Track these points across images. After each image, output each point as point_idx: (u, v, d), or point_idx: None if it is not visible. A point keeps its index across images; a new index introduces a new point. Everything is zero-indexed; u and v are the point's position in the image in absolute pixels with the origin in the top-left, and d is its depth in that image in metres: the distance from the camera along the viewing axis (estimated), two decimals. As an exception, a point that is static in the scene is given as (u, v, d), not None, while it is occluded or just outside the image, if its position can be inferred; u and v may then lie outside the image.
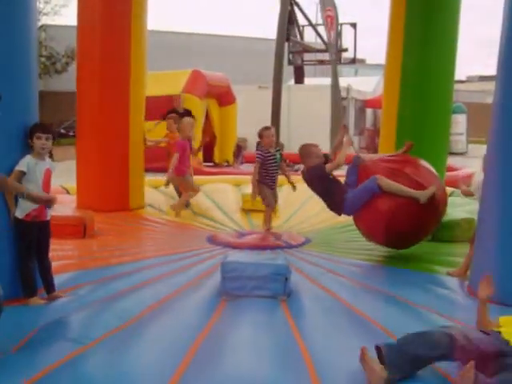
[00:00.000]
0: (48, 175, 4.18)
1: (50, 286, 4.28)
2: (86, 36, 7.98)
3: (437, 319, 3.81)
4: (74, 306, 4.03)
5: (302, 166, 18.78)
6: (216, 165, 16.69)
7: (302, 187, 9.99)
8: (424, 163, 5.71)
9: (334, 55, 15.40)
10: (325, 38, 18.35)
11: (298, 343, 3.35)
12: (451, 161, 16.87)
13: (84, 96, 8.07)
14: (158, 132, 10.37)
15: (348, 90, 23.42)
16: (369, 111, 26.02)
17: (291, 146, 21.12)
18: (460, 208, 7.62)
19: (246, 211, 8.14)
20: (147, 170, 8.81)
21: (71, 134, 22.64)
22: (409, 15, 7.75)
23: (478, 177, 4.92)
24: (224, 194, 8.99)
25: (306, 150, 5.65)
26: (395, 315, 3.90)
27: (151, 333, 3.50)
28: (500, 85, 4.41)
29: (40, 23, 27.75)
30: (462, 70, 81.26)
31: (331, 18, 15.51)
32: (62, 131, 23.17)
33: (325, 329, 3.62)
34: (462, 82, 40.97)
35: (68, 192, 9.04)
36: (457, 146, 24.79)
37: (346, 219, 7.69)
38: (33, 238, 4.10)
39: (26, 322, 3.63)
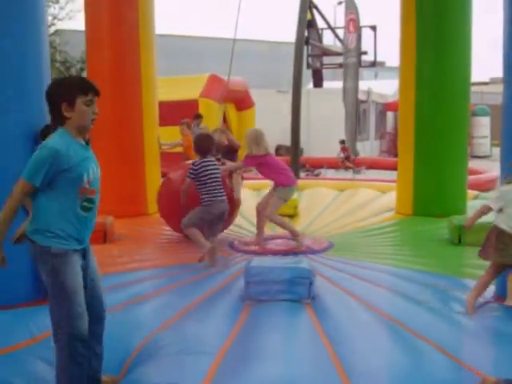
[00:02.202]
0: None
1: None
2: (95, 43, 8.03)
3: (464, 322, 3.77)
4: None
5: (322, 170, 18.66)
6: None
7: (324, 192, 9.99)
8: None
9: (355, 58, 15.27)
10: (344, 41, 18.25)
11: (325, 345, 3.32)
12: (475, 164, 16.71)
13: (96, 102, 8.07)
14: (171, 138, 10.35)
15: (368, 93, 23.27)
16: (390, 114, 25.82)
17: (310, 150, 21.07)
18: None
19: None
20: (164, 176, 8.79)
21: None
22: (420, 17, 7.70)
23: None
24: (243, 199, 8.93)
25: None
26: (422, 317, 3.84)
27: (177, 339, 3.46)
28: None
29: (55, 28, 27.93)
30: (485, 72, 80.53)
31: (353, 22, 15.41)
32: None
33: (351, 331, 3.58)
34: (485, 83, 40.38)
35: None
36: (480, 150, 24.48)
37: (368, 223, 7.64)
38: None
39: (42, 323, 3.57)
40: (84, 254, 3.00)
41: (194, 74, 18.51)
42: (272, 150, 7.72)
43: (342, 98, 15.41)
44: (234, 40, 6.48)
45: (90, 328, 2.96)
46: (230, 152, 7.92)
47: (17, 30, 4.06)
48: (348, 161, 19.37)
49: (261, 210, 6.39)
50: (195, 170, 5.38)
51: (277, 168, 6.26)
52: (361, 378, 2.94)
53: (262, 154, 6.20)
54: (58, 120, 2.87)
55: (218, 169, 5.52)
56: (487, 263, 4.16)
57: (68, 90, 2.85)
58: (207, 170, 5.38)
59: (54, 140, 2.83)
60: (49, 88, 2.89)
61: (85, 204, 2.90)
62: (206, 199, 5.38)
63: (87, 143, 3.00)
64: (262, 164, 6.27)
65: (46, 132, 4.08)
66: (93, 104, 2.95)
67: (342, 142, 19.79)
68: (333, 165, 19.28)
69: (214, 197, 5.38)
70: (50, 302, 2.87)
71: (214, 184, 5.39)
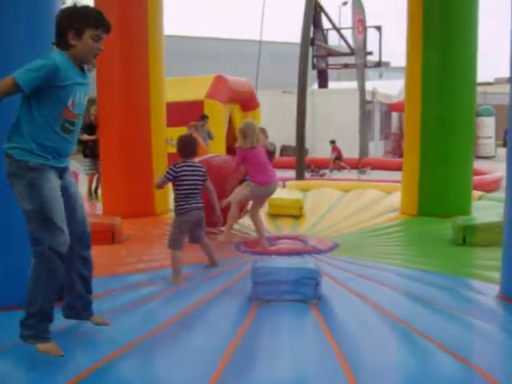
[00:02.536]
0: (74, 178, 4.20)
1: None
2: (104, 43, 8.04)
3: (469, 321, 3.79)
4: (104, 308, 4.05)
5: (326, 171, 18.73)
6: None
7: (329, 193, 10.02)
8: None
9: (362, 59, 15.34)
10: (351, 41, 18.29)
11: (331, 345, 3.34)
12: (479, 165, 16.69)
13: (105, 103, 8.16)
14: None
15: (373, 93, 23.29)
16: (394, 115, 25.84)
17: (316, 151, 21.11)
18: (489, 211, 7.53)
19: (273, 216, 8.12)
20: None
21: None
22: (426, 18, 7.74)
23: None
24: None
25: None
26: (427, 317, 3.87)
27: (184, 338, 3.50)
28: None
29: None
30: (490, 72, 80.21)
31: (361, 22, 15.48)
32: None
33: (357, 331, 3.60)
34: (490, 84, 40.33)
35: (93, 199, 9.14)
36: (485, 150, 24.47)
37: (374, 223, 7.68)
38: None
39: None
40: (61, 174, 3.00)
41: (195, 74, 18.56)
42: (276, 151, 7.70)
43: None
44: (260, 42, 6.59)
45: (75, 250, 3.00)
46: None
47: (28, 18, 4.07)
48: (340, 160, 19.41)
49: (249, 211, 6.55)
50: (175, 171, 5.02)
51: (259, 166, 6.22)
52: (367, 378, 2.96)
53: (248, 147, 6.16)
54: (62, 45, 2.89)
55: (199, 174, 5.10)
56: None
57: (79, 20, 2.87)
58: (187, 175, 5.03)
59: (57, 56, 2.86)
60: (62, 11, 2.91)
61: (66, 125, 2.92)
62: (181, 205, 5.02)
63: (83, 71, 3.01)
64: (246, 159, 6.23)
65: None
66: (100, 40, 2.98)
67: (332, 142, 19.86)
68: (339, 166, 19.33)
69: (190, 204, 5.01)
70: (28, 218, 2.86)
71: (190, 190, 5.03)
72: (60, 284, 2.98)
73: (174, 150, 8.87)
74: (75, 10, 2.89)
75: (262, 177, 6.21)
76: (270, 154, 7.43)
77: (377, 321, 3.79)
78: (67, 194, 3.02)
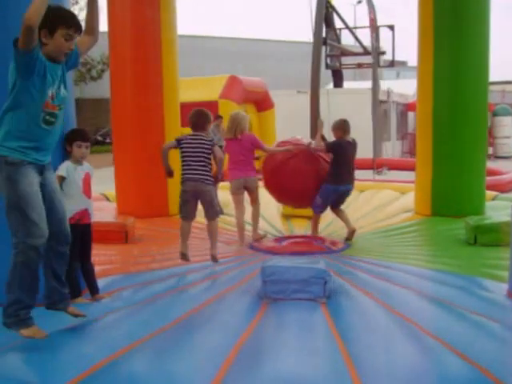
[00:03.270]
0: (88, 179, 4.26)
1: (93, 288, 4.37)
2: (118, 44, 8.15)
3: (480, 321, 3.79)
4: (117, 305, 4.12)
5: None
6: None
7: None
8: None
9: (375, 58, 15.24)
10: (369, 40, 18.16)
11: (339, 345, 3.35)
12: (497, 165, 16.53)
13: (118, 103, 8.22)
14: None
15: (389, 93, 23.15)
16: (411, 114, 25.65)
17: (331, 150, 21.02)
18: (501, 211, 7.49)
19: (287, 217, 8.14)
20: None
21: (107, 140, 22.85)
22: (437, 16, 7.73)
23: None
24: (263, 200, 8.98)
25: None
26: (437, 316, 3.89)
27: (194, 334, 3.54)
28: None
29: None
30: (510, 70, 79.28)
31: (372, 21, 15.40)
32: (99, 138, 23.51)
33: (365, 330, 3.61)
34: (509, 82, 39.74)
35: (108, 199, 9.21)
36: (503, 150, 24.22)
37: (387, 224, 7.68)
38: (76, 240, 4.15)
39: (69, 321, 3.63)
40: (42, 171, 3.09)
41: (209, 74, 18.61)
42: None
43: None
44: (315, 44, 6.77)
45: (52, 246, 3.15)
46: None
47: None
48: None
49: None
50: (178, 140, 5.20)
51: (234, 159, 6.40)
52: (371, 377, 2.97)
53: (229, 137, 6.39)
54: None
55: (203, 147, 5.11)
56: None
57: (52, 18, 2.95)
58: (188, 146, 5.11)
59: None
60: None
61: (47, 118, 3.02)
62: (181, 175, 5.18)
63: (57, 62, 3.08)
64: (226, 149, 6.46)
65: (71, 137, 4.17)
66: (71, 40, 3.03)
67: None
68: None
69: (186, 174, 5.13)
70: (7, 211, 2.99)
71: (190, 161, 5.10)
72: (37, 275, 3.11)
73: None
74: (49, 9, 2.94)
75: (230, 173, 6.47)
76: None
77: (385, 320, 3.80)
78: (46, 191, 3.13)
